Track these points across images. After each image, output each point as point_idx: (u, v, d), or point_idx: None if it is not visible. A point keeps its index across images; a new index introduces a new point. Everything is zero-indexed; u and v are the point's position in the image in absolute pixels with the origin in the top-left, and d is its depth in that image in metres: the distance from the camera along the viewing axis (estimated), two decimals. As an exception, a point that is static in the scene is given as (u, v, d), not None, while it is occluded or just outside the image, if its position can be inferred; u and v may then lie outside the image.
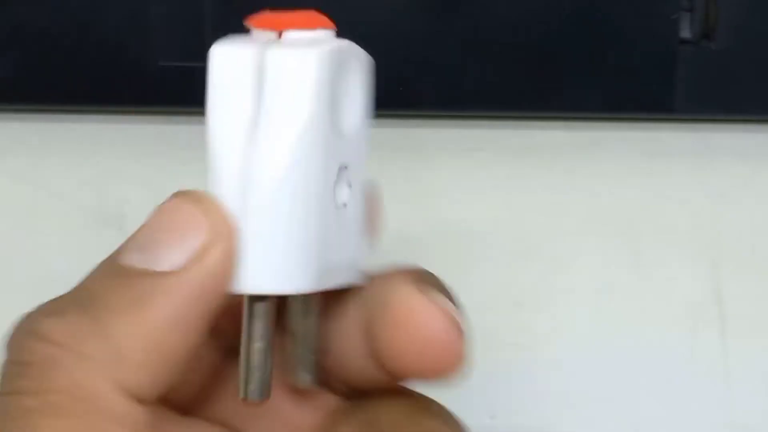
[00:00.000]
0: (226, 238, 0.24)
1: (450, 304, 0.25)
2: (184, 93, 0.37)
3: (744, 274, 0.37)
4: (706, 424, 0.36)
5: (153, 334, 0.23)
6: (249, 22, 0.26)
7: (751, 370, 0.36)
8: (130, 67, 0.37)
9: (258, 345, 0.25)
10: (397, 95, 0.36)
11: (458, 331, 0.25)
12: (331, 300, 0.27)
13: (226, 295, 0.24)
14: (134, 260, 0.24)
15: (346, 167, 0.26)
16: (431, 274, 0.26)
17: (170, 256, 0.23)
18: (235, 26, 0.36)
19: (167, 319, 0.23)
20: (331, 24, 0.26)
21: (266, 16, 0.26)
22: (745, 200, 0.37)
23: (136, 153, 0.38)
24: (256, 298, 0.25)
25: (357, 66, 0.26)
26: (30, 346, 0.23)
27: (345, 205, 0.26)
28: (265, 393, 0.25)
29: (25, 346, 0.23)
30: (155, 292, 0.23)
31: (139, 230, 0.24)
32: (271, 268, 0.24)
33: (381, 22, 0.36)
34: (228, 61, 0.25)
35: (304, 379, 0.26)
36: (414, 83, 0.36)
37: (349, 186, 0.26)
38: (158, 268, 0.23)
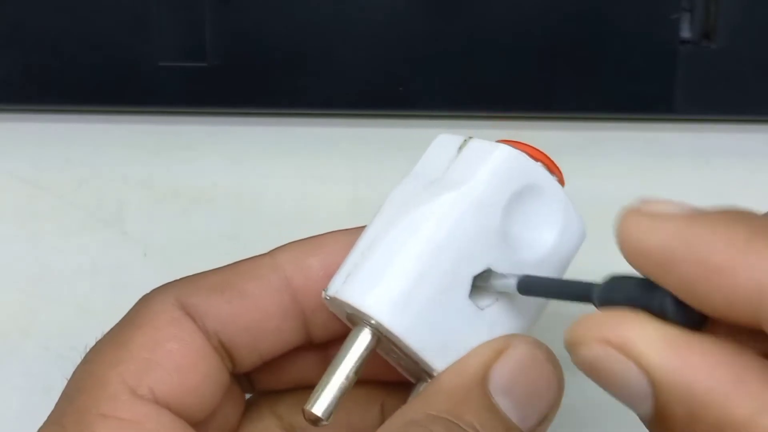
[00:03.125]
0: (560, 402, 0.26)
1: None
2: (184, 93, 0.37)
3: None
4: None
5: None
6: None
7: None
8: (130, 67, 0.37)
9: (346, 370, 0.26)
10: (397, 95, 0.36)
11: None
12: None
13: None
14: (508, 408, 0.25)
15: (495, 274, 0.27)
16: None
17: (531, 416, 0.25)
18: (235, 26, 0.37)
19: None
20: (555, 170, 0.28)
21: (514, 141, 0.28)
22: (745, 200, 0.37)
23: (136, 153, 0.38)
24: (364, 324, 0.26)
25: (553, 205, 0.28)
26: None
27: (479, 305, 0.27)
28: (328, 414, 0.26)
29: None
30: None
31: (504, 366, 0.26)
32: (379, 295, 0.26)
33: (381, 22, 0.36)
34: (441, 142, 0.28)
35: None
36: (414, 83, 0.36)
37: (494, 296, 0.27)
38: (523, 427, 0.25)
